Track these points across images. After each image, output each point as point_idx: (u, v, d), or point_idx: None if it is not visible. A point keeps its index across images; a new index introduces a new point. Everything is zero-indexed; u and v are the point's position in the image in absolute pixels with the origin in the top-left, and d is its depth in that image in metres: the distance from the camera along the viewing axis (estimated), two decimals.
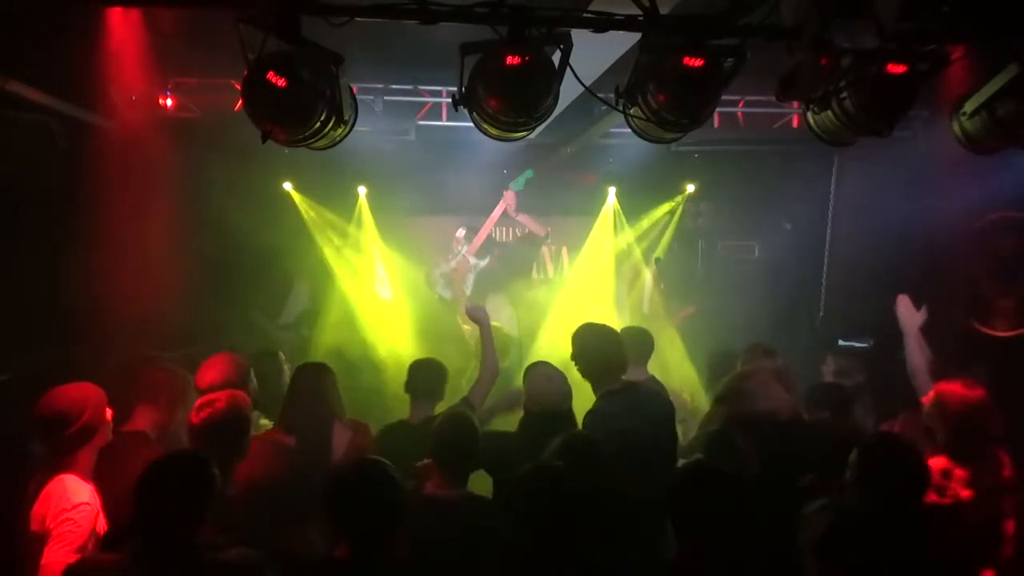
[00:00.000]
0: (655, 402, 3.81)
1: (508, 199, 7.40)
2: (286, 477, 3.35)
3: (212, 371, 3.65)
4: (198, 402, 3.12)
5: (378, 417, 4.26)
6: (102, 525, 2.87)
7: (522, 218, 7.49)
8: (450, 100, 3.22)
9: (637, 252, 7.98)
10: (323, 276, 7.36)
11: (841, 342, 5.78)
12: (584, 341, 3.79)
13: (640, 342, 4.41)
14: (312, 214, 7.33)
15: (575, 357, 3.80)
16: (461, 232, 7.33)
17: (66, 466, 2.90)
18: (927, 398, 3.50)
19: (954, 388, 3.36)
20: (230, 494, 2.92)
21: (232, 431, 3.07)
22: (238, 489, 3.06)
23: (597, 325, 3.91)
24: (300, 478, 3.35)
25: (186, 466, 2.51)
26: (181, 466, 2.51)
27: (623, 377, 3.76)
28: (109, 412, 3.05)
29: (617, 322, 6.05)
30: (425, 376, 3.96)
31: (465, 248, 7.25)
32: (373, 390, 5.68)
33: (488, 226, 7.41)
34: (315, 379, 3.88)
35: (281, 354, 4.55)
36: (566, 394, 3.66)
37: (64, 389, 2.97)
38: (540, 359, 4.01)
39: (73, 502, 2.79)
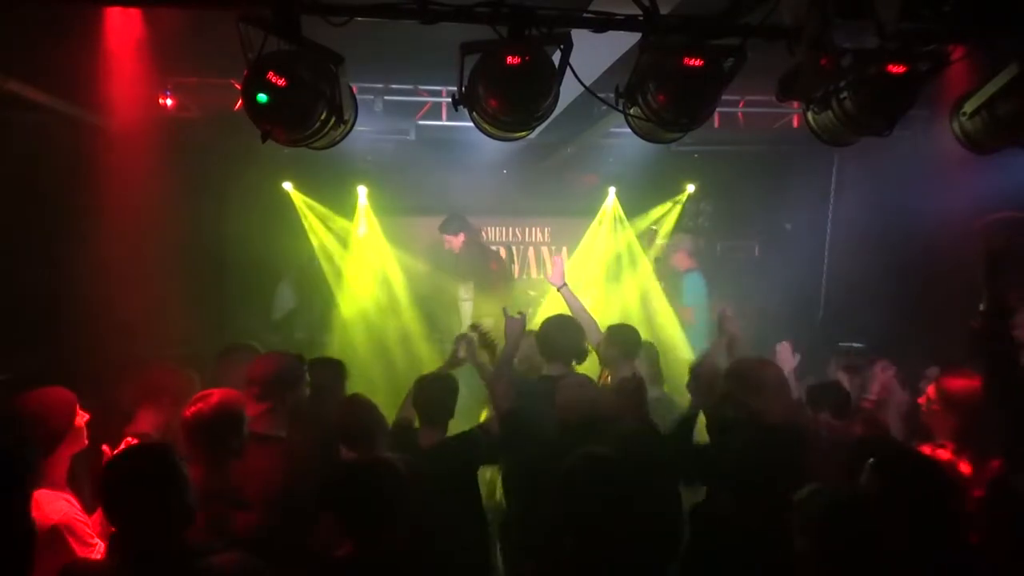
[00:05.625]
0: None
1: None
2: (296, 479, 3.25)
3: (262, 365, 3.52)
4: (194, 397, 3.06)
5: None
6: (90, 528, 2.80)
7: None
8: (450, 100, 3.21)
9: (637, 251, 7.98)
10: (308, 276, 7.34)
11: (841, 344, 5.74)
12: (543, 327, 4.28)
13: (624, 340, 4.36)
14: (312, 214, 7.33)
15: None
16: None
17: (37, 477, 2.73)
18: (926, 396, 3.48)
19: (958, 379, 3.36)
20: (221, 490, 2.86)
21: (221, 427, 2.98)
22: (254, 494, 2.99)
23: (563, 317, 4.35)
24: (307, 480, 3.23)
25: (145, 462, 2.36)
26: (139, 464, 2.36)
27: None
28: (83, 417, 2.97)
29: (610, 319, 6.03)
30: (435, 397, 3.77)
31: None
32: (383, 391, 5.66)
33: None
34: (323, 376, 3.78)
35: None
36: (597, 400, 3.62)
37: (29, 396, 2.88)
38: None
39: (45, 526, 2.61)
